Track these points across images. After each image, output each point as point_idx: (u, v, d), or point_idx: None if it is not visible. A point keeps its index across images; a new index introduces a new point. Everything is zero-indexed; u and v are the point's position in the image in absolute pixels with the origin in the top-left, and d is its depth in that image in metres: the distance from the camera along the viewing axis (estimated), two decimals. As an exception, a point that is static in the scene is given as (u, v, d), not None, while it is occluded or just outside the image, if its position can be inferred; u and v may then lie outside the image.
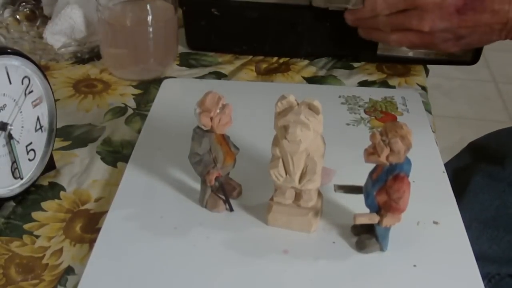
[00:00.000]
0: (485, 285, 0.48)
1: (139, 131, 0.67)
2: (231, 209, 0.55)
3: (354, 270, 0.50)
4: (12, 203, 0.57)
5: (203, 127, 0.52)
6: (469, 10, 0.66)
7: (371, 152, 0.47)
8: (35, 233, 0.54)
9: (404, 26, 0.70)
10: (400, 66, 0.82)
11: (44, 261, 0.52)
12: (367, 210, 0.50)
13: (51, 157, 0.61)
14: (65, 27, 0.79)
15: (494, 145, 0.83)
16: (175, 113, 0.68)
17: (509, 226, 0.72)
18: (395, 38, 0.72)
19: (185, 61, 0.83)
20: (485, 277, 0.48)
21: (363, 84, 0.78)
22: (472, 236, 0.52)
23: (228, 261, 0.51)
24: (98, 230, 0.54)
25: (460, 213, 0.55)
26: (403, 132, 0.46)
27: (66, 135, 0.67)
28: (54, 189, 0.60)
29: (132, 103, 0.73)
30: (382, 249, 0.51)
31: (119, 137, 0.67)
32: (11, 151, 0.55)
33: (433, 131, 0.68)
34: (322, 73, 0.81)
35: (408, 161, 0.47)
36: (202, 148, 0.52)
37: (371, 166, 0.49)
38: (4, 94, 0.54)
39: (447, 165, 0.61)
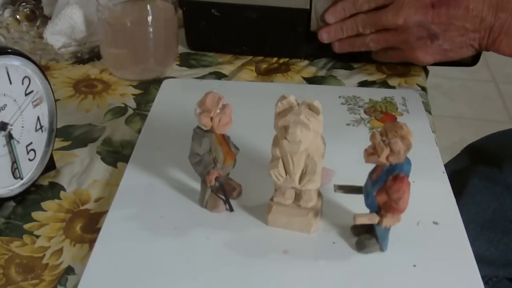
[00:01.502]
0: None
1: (139, 131, 0.67)
2: (231, 210, 0.55)
3: (354, 270, 0.50)
4: (12, 203, 0.57)
5: (203, 127, 0.52)
6: (443, 4, 0.67)
7: (371, 153, 0.47)
8: (35, 233, 0.54)
9: (381, 22, 0.71)
10: (400, 66, 0.82)
11: (44, 261, 0.52)
12: (367, 211, 0.50)
13: (51, 157, 0.61)
14: (65, 27, 0.79)
15: (492, 147, 0.83)
16: (175, 113, 0.68)
17: (506, 229, 0.72)
18: (372, 37, 0.73)
19: (185, 61, 0.83)
20: (482, 279, 0.48)
21: (363, 84, 0.78)
22: (469, 238, 0.52)
23: (228, 261, 0.51)
24: (98, 230, 0.54)
25: None
26: (403, 132, 0.46)
27: (66, 135, 0.67)
28: (54, 189, 0.60)
29: (132, 103, 0.74)
30: (382, 249, 0.51)
31: (119, 137, 0.67)
32: (11, 151, 0.55)
33: (433, 131, 0.68)
34: (322, 73, 0.81)
35: (408, 161, 0.47)
36: (202, 148, 0.52)
37: (371, 166, 0.49)
38: (4, 94, 0.54)
39: (444, 167, 0.61)
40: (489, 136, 0.87)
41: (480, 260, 0.50)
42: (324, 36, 0.76)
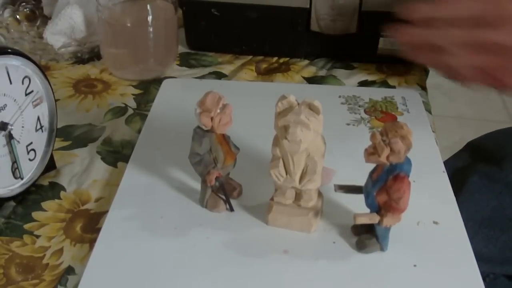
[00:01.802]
0: None
1: (139, 131, 0.67)
2: (231, 209, 0.55)
3: (354, 270, 0.50)
4: (13, 203, 0.57)
5: (203, 127, 0.52)
6: None
7: (371, 152, 0.47)
8: (36, 233, 0.54)
9: (483, 40, 0.56)
10: (400, 66, 0.82)
11: (45, 261, 0.52)
12: (367, 210, 0.50)
13: (51, 157, 0.61)
14: (65, 27, 0.80)
15: (492, 145, 0.82)
16: (175, 113, 0.68)
17: (505, 227, 0.72)
18: (462, 55, 0.57)
19: (185, 61, 0.83)
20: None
21: (363, 84, 0.78)
22: (468, 235, 0.52)
23: (228, 261, 0.51)
24: (98, 230, 0.54)
25: None
26: (403, 132, 0.46)
27: (66, 135, 0.67)
28: (54, 189, 0.60)
29: (132, 103, 0.74)
30: (382, 249, 0.51)
31: (119, 137, 0.67)
32: (12, 151, 0.55)
33: (433, 131, 0.68)
34: (322, 73, 0.81)
35: (408, 161, 0.47)
36: (202, 148, 0.52)
37: (371, 166, 0.49)
38: (4, 94, 0.54)
39: (444, 164, 0.61)
40: (490, 134, 0.86)
41: (478, 257, 0.50)
42: (403, 38, 0.60)
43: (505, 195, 0.72)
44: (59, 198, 0.59)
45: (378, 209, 0.49)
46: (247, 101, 0.68)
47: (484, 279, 0.48)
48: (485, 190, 0.72)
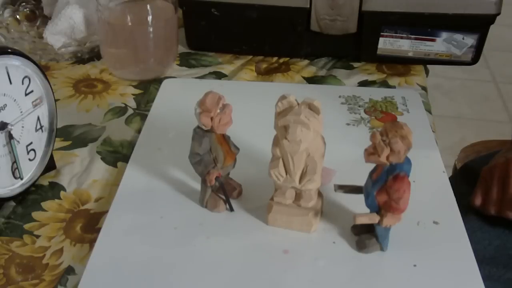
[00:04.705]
0: None
1: (139, 131, 0.67)
2: (231, 209, 0.55)
3: (354, 270, 0.50)
4: (12, 203, 0.57)
5: (203, 127, 0.52)
6: None
7: (371, 152, 0.47)
8: (35, 233, 0.54)
9: None
10: (400, 66, 0.82)
11: (45, 261, 0.52)
12: (367, 210, 0.50)
13: (51, 157, 0.61)
14: (65, 27, 0.79)
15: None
16: (175, 113, 0.68)
17: (509, 265, 0.69)
18: None
19: (185, 61, 0.83)
20: None
21: (363, 84, 0.78)
22: None
23: (228, 261, 0.51)
24: (98, 230, 0.54)
25: None
26: (403, 132, 0.46)
27: (66, 135, 0.67)
28: (54, 189, 0.60)
29: (132, 103, 0.74)
30: (382, 249, 0.51)
31: (119, 137, 0.67)
32: (11, 151, 0.55)
33: (433, 131, 0.68)
34: (322, 73, 0.81)
35: (408, 161, 0.47)
36: (202, 148, 0.52)
37: (371, 166, 0.49)
38: (4, 94, 0.54)
39: None
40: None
41: None
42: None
43: (508, 235, 0.70)
44: (59, 198, 0.59)
45: (378, 209, 0.49)
46: (247, 101, 0.68)
47: None
48: (487, 229, 0.70)
